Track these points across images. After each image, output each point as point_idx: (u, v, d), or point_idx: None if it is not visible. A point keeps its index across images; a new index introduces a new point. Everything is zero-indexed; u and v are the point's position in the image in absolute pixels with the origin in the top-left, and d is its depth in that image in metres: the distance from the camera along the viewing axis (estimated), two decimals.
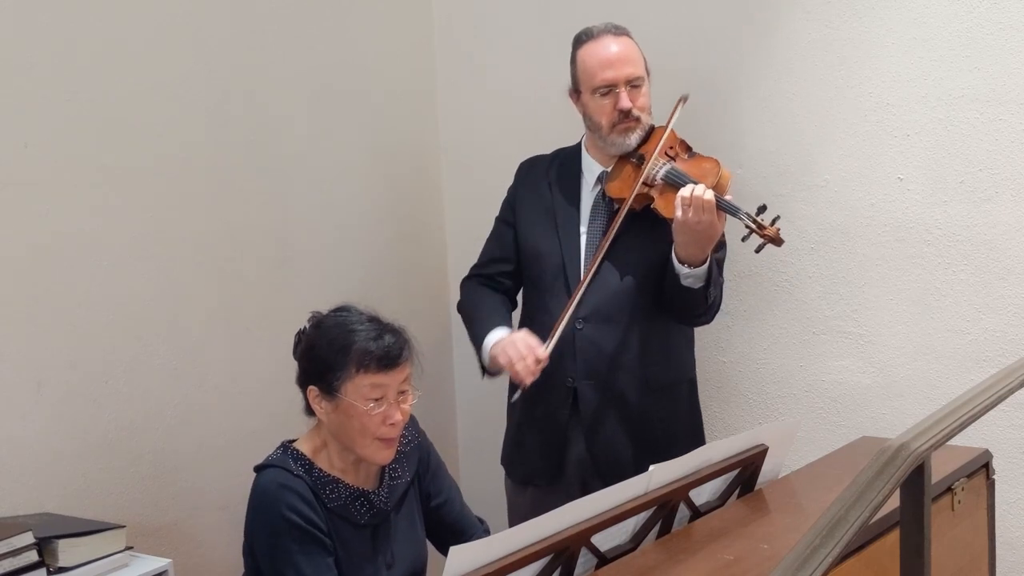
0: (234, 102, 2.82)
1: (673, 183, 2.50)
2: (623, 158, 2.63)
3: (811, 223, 2.85)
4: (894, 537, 1.42)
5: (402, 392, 2.11)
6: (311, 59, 3.03)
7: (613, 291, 2.57)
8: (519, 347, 2.49)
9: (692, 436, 2.72)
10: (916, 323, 2.75)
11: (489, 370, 2.64)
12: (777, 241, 2.40)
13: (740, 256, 2.93)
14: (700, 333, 3.01)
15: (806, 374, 2.91)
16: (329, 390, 2.08)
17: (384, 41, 3.28)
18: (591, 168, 2.68)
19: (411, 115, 3.38)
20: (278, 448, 2.15)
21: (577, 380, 2.60)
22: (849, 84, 2.77)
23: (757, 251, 2.47)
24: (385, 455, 2.12)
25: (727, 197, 2.45)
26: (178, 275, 2.69)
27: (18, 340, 2.37)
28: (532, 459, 2.69)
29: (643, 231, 2.55)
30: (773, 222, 2.41)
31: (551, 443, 2.64)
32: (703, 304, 2.54)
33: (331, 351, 2.08)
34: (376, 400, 2.06)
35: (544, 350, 2.48)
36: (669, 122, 2.60)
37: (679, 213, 2.39)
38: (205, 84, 2.75)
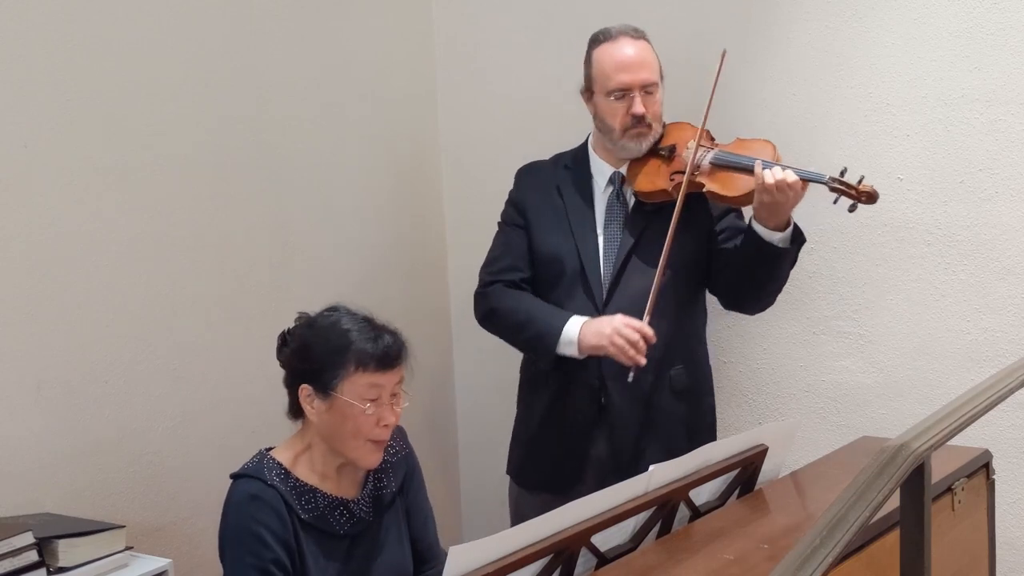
0: (234, 103, 2.82)
1: (725, 165, 2.51)
2: (645, 155, 2.61)
3: (811, 223, 2.84)
4: (894, 537, 1.42)
5: (394, 395, 2.10)
6: (312, 60, 3.03)
7: (640, 290, 2.53)
8: (627, 333, 2.43)
9: (710, 436, 2.72)
10: (916, 323, 2.75)
11: (574, 356, 2.53)
12: (873, 196, 2.40)
13: None
14: None
15: (806, 374, 2.91)
16: (324, 389, 2.06)
17: (384, 42, 3.28)
18: (601, 170, 2.67)
19: (411, 116, 3.38)
20: (255, 456, 2.12)
21: (604, 382, 2.58)
22: (849, 84, 2.77)
23: (851, 210, 2.45)
24: (374, 459, 2.10)
25: (807, 168, 2.45)
26: (178, 275, 2.69)
27: (18, 340, 2.37)
28: (552, 465, 2.64)
29: (664, 227, 2.50)
30: (860, 181, 2.41)
31: (574, 448, 2.61)
32: (792, 264, 2.56)
33: (328, 350, 2.07)
34: (372, 401, 2.05)
35: (648, 328, 2.44)
36: (716, 79, 2.54)
37: (766, 198, 2.40)
38: (205, 85, 2.75)
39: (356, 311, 2.15)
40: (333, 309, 2.16)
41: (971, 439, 1.80)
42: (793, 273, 2.88)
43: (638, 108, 2.55)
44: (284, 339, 2.18)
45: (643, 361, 2.44)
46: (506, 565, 1.59)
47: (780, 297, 2.90)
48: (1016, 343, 2.62)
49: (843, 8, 2.76)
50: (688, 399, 2.66)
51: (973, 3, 2.60)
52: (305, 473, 2.10)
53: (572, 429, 2.61)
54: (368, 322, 2.11)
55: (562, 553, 1.69)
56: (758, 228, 2.48)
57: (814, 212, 2.83)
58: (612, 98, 2.56)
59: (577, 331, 2.51)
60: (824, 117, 2.81)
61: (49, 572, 2.11)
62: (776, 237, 2.48)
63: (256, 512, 2.01)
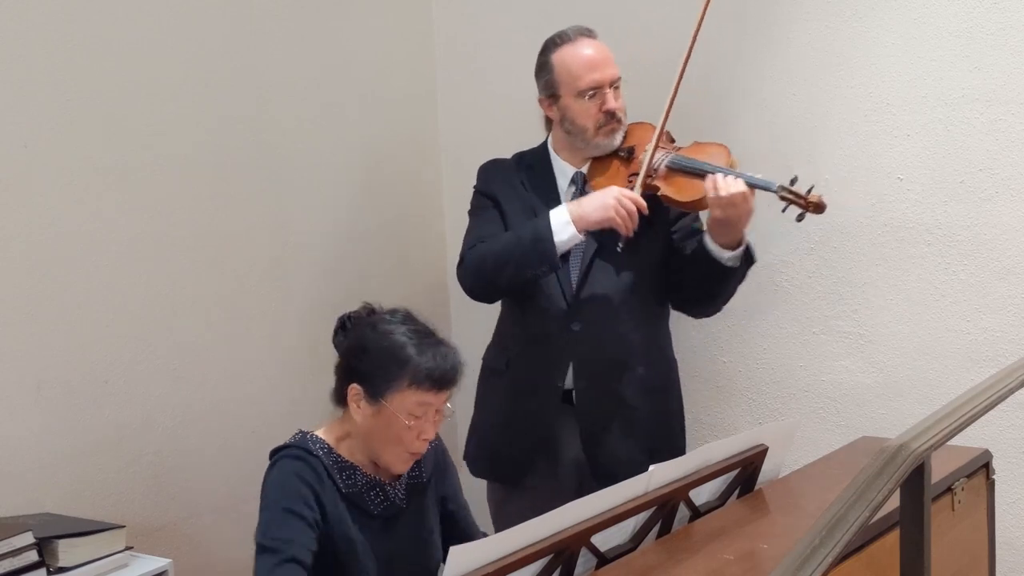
0: (235, 102, 2.82)
1: (680, 169, 2.53)
2: (607, 155, 2.64)
3: (811, 223, 2.83)
4: (894, 537, 1.42)
5: (438, 410, 2.10)
6: (311, 60, 3.03)
7: (607, 290, 2.57)
8: (626, 203, 2.44)
9: (681, 437, 2.76)
10: (916, 323, 2.74)
11: (573, 239, 2.49)
12: (820, 207, 2.41)
13: None
14: (700, 333, 3.02)
15: (806, 374, 2.91)
16: (374, 395, 2.06)
17: (384, 42, 3.28)
18: (563, 171, 2.69)
19: (411, 116, 3.38)
20: (295, 434, 2.13)
21: (574, 382, 2.59)
22: (849, 84, 2.77)
23: (799, 219, 2.46)
24: (405, 467, 2.13)
25: (758, 175, 2.46)
26: (178, 275, 2.69)
27: (18, 340, 2.37)
28: (524, 455, 2.64)
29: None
30: (809, 191, 2.43)
31: (541, 441, 2.61)
32: (740, 281, 2.59)
33: (387, 358, 2.06)
34: (418, 418, 2.06)
35: (641, 200, 2.46)
36: (699, 23, 2.57)
37: (718, 212, 2.42)
38: (205, 85, 2.75)
39: (421, 320, 2.14)
40: (396, 312, 2.15)
41: (971, 439, 1.80)
42: (793, 273, 2.89)
43: (612, 104, 2.57)
44: (343, 324, 2.17)
45: (631, 232, 2.45)
46: (506, 565, 1.59)
47: (780, 297, 2.91)
48: (1016, 343, 2.62)
49: (843, 8, 2.76)
50: (658, 397, 2.68)
51: (973, 3, 2.59)
52: (347, 453, 2.12)
53: (538, 422, 2.60)
54: (430, 337, 2.10)
55: (562, 553, 1.69)
56: (709, 245, 2.51)
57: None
58: (584, 98, 2.57)
59: (567, 213, 2.49)
60: (824, 117, 2.81)
61: (49, 572, 2.11)
62: (726, 256, 2.50)
63: (300, 470, 2.03)
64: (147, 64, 2.61)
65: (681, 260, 2.62)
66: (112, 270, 2.55)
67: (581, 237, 2.50)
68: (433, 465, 2.25)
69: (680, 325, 3.05)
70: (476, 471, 2.77)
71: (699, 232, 2.64)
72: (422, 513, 2.20)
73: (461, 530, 2.27)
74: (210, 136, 2.76)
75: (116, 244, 2.55)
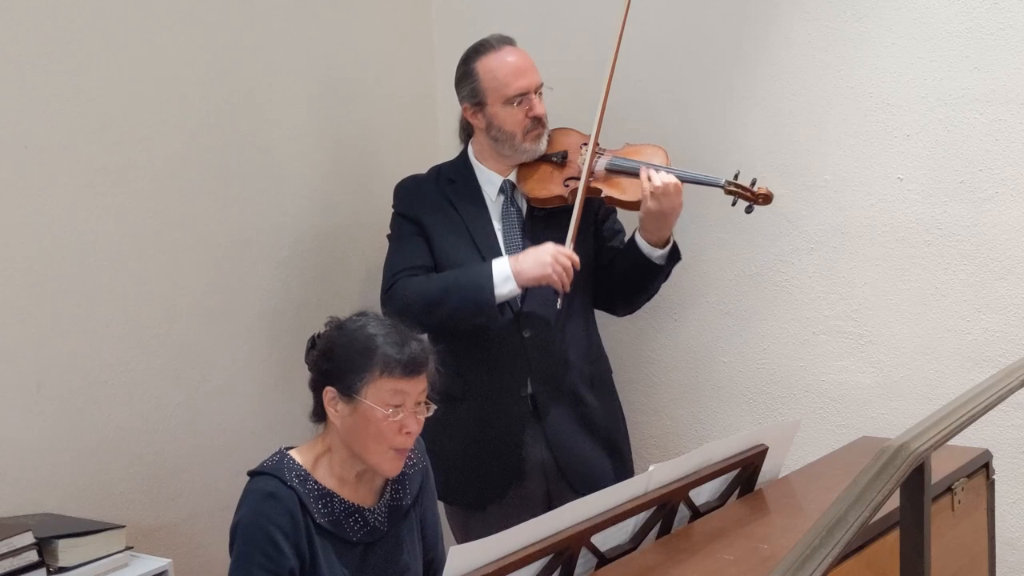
0: (234, 103, 2.82)
1: (619, 170, 2.59)
2: (535, 161, 2.67)
3: (811, 223, 2.85)
4: (894, 537, 1.42)
5: (418, 403, 2.07)
6: (311, 60, 3.03)
7: (551, 293, 2.57)
8: (563, 260, 2.48)
9: (625, 429, 2.81)
10: (916, 323, 2.75)
11: (512, 293, 2.53)
12: (768, 198, 2.52)
13: (740, 256, 2.94)
14: (700, 333, 3.02)
15: (806, 374, 2.91)
16: (348, 392, 2.04)
17: (384, 41, 3.28)
18: (490, 180, 2.70)
19: (411, 116, 3.38)
20: (275, 455, 2.10)
21: (533, 387, 2.61)
22: (849, 84, 2.77)
23: (748, 211, 2.57)
24: (394, 466, 2.08)
25: (700, 172, 2.57)
26: (178, 275, 2.69)
27: (18, 340, 2.37)
28: (489, 479, 2.62)
29: (561, 230, 2.56)
30: (753, 183, 2.52)
31: (510, 456, 2.61)
32: (665, 279, 2.69)
33: (354, 352, 2.05)
34: (395, 407, 2.02)
35: (575, 255, 2.50)
36: (620, 34, 2.61)
37: (651, 204, 2.48)
38: (205, 84, 2.75)
39: (384, 318, 2.15)
40: (362, 314, 2.14)
41: (971, 439, 1.81)
42: (793, 273, 2.89)
43: (539, 109, 2.63)
44: (313, 342, 2.16)
45: (568, 288, 2.50)
46: (506, 565, 1.59)
47: (780, 296, 2.91)
48: (1016, 343, 2.62)
49: (843, 8, 2.76)
50: (607, 391, 2.76)
51: (973, 3, 2.59)
52: (324, 476, 2.08)
53: (506, 439, 2.60)
54: (395, 328, 2.09)
55: (562, 553, 1.70)
56: (640, 243, 2.58)
57: (814, 212, 2.84)
58: (512, 104, 2.61)
59: (508, 267, 2.52)
60: (824, 117, 2.81)
61: (49, 572, 2.12)
62: (656, 254, 2.58)
63: (271, 511, 2.00)
64: (147, 64, 2.61)
65: (610, 254, 2.70)
66: (112, 270, 2.55)
67: (519, 291, 2.54)
68: (419, 488, 2.21)
69: (680, 326, 3.06)
70: (461, 502, 2.72)
71: (622, 232, 2.75)
72: (405, 536, 2.16)
73: (425, 562, 2.23)
74: (209, 136, 2.76)
75: (116, 244, 2.55)
